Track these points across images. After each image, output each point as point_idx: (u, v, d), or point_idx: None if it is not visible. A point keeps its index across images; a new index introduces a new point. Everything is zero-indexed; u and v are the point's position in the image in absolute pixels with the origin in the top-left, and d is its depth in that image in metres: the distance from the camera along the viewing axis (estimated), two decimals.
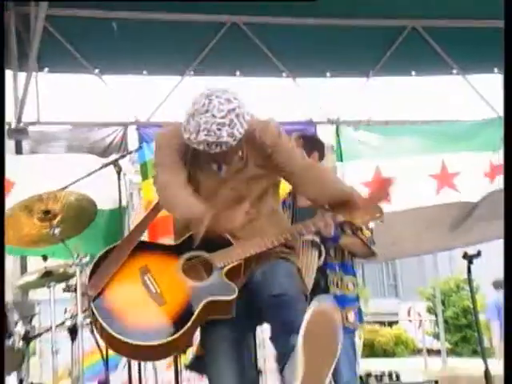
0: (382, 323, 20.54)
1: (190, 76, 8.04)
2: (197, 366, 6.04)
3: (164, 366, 6.96)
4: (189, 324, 3.45)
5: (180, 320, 3.46)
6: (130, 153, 7.29)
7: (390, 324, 20.87)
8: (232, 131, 3.75)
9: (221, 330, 3.81)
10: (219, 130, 3.69)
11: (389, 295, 28.44)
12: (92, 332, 3.79)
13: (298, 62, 7.90)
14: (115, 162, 5.97)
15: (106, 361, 5.95)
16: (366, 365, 7.68)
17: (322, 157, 5.84)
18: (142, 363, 6.72)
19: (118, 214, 6.22)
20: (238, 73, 8.13)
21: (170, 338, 3.42)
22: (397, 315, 21.46)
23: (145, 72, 8.06)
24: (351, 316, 5.91)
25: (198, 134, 3.71)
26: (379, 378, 6.43)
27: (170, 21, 7.73)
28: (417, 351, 17.62)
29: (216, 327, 3.78)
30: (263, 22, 7.54)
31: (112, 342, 3.50)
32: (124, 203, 6.53)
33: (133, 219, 7.96)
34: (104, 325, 3.40)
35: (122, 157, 6.32)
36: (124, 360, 6.67)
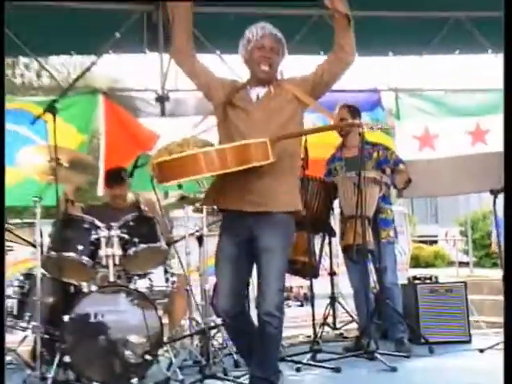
0: (425, 242, 20.34)
1: None
2: (289, 268, 6.20)
3: None
4: (224, 146, 3.58)
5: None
6: None
7: (432, 243, 20.64)
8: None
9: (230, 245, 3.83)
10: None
11: (431, 222, 28.00)
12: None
13: (365, 45, 7.92)
14: None
15: None
16: (412, 272, 7.72)
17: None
18: None
19: None
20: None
21: (206, 149, 3.55)
22: (437, 237, 21.18)
23: None
24: (392, 232, 6.07)
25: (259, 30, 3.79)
26: (423, 279, 6.53)
27: None
28: (451, 263, 17.45)
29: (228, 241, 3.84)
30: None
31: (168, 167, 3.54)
32: None
33: None
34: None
35: None
36: None
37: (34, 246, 4.95)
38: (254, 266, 3.87)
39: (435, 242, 20.94)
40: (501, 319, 7.05)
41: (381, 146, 6.09)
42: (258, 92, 3.88)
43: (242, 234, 3.78)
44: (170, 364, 4.89)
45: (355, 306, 6.18)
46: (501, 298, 6.13)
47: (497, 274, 6.51)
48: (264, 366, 3.83)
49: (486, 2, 7.43)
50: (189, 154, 3.51)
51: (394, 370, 4.92)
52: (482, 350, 5.66)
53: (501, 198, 6.13)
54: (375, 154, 5.91)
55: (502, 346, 5.77)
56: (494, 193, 5.96)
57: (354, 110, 6.23)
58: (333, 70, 3.88)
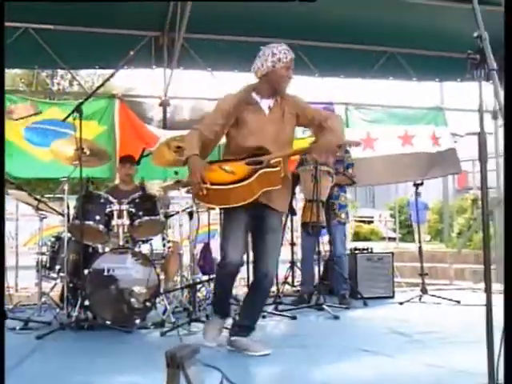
0: (364, 222, 20.47)
1: None
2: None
3: None
4: (251, 179, 3.38)
5: (242, 180, 3.39)
6: None
7: (369, 223, 20.78)
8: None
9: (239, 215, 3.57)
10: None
11: (369, 206, 28.18)
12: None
13: (323, 68, 8.02)
14: None
15: (209, 232, 6.18)
16: (353, 245, 7.78)
17: None
18: None
19: (217, 150, 6.38)
20: None
21: (239, 184, 3.36)
22: (373, 218, 21.35)
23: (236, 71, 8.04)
24: (343, 215, 6.09)
25: (287, 53, 3.56)
26: (361, 250, 6.59)
27: None
28: (383, 238, 17.63)
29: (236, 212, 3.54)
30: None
31: (213, 195, 3.37)
32: None
33: None
34: (208, 186, 3.33)
35: None
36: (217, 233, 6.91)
37: (62, 215, 5.01)
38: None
39: (372, 221, 21.07)
40: (416, 280, 7.22)
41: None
42: (268, 103, 3.66)
43: (252, 211, 3.57)
44: (165, 310, 4.91)
45: (303, 270, 6.18)
46: (417, 264, 6.38)
47: (414, 246, 6.67)
48: (254, 316, 3.80)
49: (413, 41, 7.67)
50: (229, 188, 3.38)
51: (336, 317, 4.97)
52: (401, 303, 5.92)
53: (420, 188, 6.42)
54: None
55: (416, 299, 5.95)
56: (415, 184, 6.43)
57: None
58: (312, 130, 3.86)
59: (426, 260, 10.56)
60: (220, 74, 8.00)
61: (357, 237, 16.54)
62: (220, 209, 3.75)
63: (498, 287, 2.86)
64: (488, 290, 2.03)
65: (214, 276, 4.07)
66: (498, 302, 2.16)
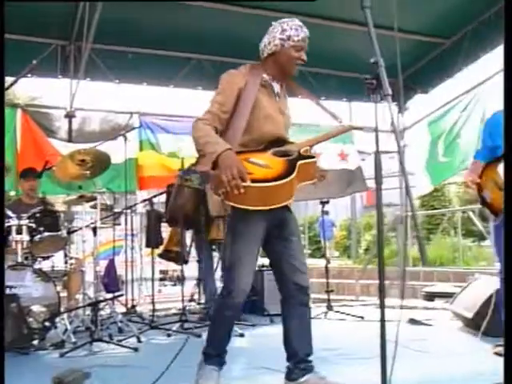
0: None
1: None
2: (165, 256, 6.20)
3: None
4: (292, 175, 2.86)
5: (285, 175, 2.85)
6: (134, 129, 7.37)
7: None
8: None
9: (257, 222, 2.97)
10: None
11: None
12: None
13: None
14: (124, 134, 6.04)
15: (113, 248, 6.10)
16: (262, 261, 7.87)
17: None
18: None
19: (124, 165, 6.33)
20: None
21: (283, 181, 2.82)
22: None
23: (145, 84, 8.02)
24: None
25: (299, 30, 3.06)
26: (268, 266, 6.58)
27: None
28: None
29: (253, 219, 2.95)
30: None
31: (252, 194, 2.77)
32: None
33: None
34: (249, 184, 2.75)
35: (128, 131, 6.38)
36: (123, 250, 6.82)
37: None
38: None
39: None
40: (323, 296, 7.38)
41: None
42: (277, 89, 3.21)
43: (271, 215, 2.98)
44: (66, 330, 4.79)
45: (206, 287, 6.20)
46: (325, 280, 6.52)
47: (323, 262, 6.82)
48: (310, 341, 3.19)
49: (322, 61, 7.52)
50: (273, 185, 2.83)
51: (242, 335, 5.02)
52: None
53: (329, 205, 6.61)
54: None
55: (322, 315, 6.08)
56: (322, 202, 6.58)
57: None
58: None
59: (334, 276, 10.88)
60: (127, 87, 7.97)
61: None
62: (240, 215, 2.92)
63: (399, 302, 2.97)
64: (382, 306, 2.12)
65: (214, 310, 3.24)
66: (394, 316, 2.27)
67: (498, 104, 4.46)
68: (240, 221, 2.94)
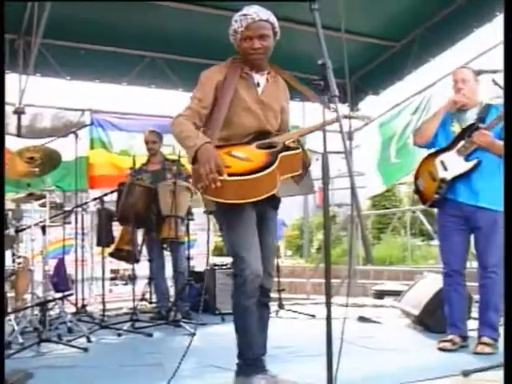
0: None
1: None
2: (116, 255, 6.14)
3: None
4: (271, 168, 2.82)
5: (265, 168, 2.81)
6: (85, 126, 7.28)
7: None
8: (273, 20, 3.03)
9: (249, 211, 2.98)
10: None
11: None
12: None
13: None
14: (75, 132, 5.97)
15: (63, 247, 6.01)
16: (218, 260, 7.88)
17: None
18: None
19: (74, 163, 6.25)
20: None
21: (260, 174, 2.78)
22: None
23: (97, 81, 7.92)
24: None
25: (243, 19, 2.97)
26: (220, 266, 6.68)
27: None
28: None
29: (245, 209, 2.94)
30: None
31: (223, 186, 2.73)
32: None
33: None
34: (226, 177, 2.72)
35: (79, 129, 6.31)
36: (73, 249, 6.72)
37: None
38: None
39: None
40: (273, 294, 7.41)
41: (178, 162, 5.92)
42: (257, 80, 3.13)
43: (258, 207, 3.01)
44: (13, 330, 4.69)
45: (156, 287, 6.22)
46: (275, 279, 6.57)
47: (275, 262, 6.89)
48: (265, 342, 3.23)
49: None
50: (251, 178, 2.79)
51: (193, 334, 4.99)
52: None
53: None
54: (174, 168, 5.90)
55: (273, 314, 6.10)
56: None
57: (159, 134, 6.34)
58: None
59: (286, 275, 10.96)
60: (79, 84, 7.86)
61: (220, 252, 16.70)
62: (228, 206, 2.86)
63: (350, 300, 3.02)
64: (328, 304, 2.16)
65: (233, 306, 3.08)
66: (341, 314, 2.32)
67: None
68: (233, 213, 2.94)
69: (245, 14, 2.98)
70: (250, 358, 3.02)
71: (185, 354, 3.09)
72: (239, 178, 2.77)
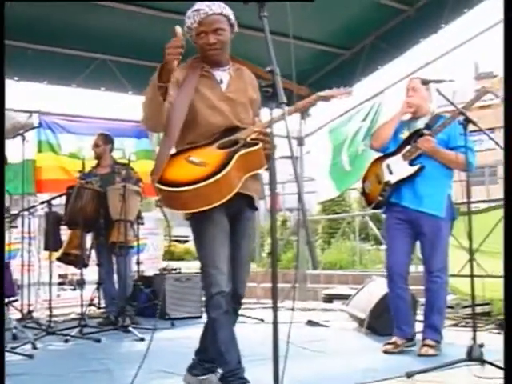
0: (179, 241, 20.66)
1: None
2: (64, 259, 6.04)
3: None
4: (228, 168, 2.73)
5: (220, 170, 2.72)
6: (33, 128, 7.14)
7: (184, 242, 21.00)
8: (227, 13, 2.94)
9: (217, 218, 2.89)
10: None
11: (184, 225, 28.44)
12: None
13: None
14: (22, 134, 5.86)
15: (9, 252, 5.87)
16: (166, 264, 7.83)
17: None
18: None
19: (21, 166, 6.12)
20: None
21: (214, 179, 2.68)
22: (188, 237, 21.51)
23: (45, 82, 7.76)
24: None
25: (196, 15, 2.89)
26: (169, 270, 6.70)
27: None
28: (197, 258, 17.92)
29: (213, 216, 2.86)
30: None
31: (173, 198, 2.73)
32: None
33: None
34: (169, 189, 2.68)
35: (27, 131, 6.20)
36: (19, 253, 6.58)
37: None
38: None
39: (187, 241, 21.27)
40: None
41: (128, 166, 5.93)
42: (220, 76, 3.03)
43: (229, 208, 2.92)
44: None
45: (105, 291, 6.16)
46: None
47: None
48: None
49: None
50: (201, 186, 2.69)
51: (142, 339, 4.98)
52: None
53: None
54: (123, 172, 5.84)
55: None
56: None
57: (107, 138, 6.28)
58: None
59: None
60: (27, 85, 7.71)
61: (171, 256, 16.64)
62: (195, 215, 2.84)
63: (298, 304, 3.05)
64: (274, 308, 2.19)
65: (207, 321, 3.06)
66: (290, 318, 2.36)
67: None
68: (203, 220, 2.88)
69: (197, 10, 2.91)
70: (226, 369, 2.95)
71: (143, 360, 3.15)
72: (188, 187, 2.68)
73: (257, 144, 2.84)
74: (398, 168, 4.33)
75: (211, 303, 2.89)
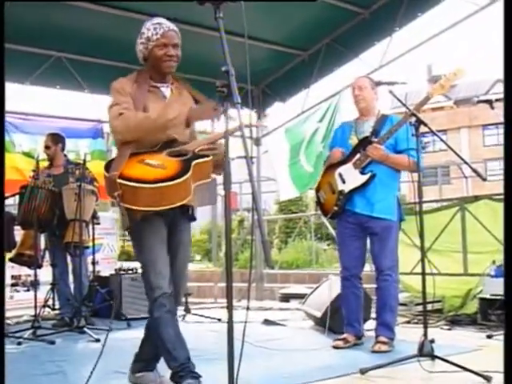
0: None
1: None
2: (18, 260, 5.94)
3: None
4: (187, 175, 2.82)
5: (180, 175, 2.81)
6: None
7: None
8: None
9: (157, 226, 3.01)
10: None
11: None
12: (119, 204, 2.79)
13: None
14: None
15: None
16: (125, 264, 7.77)
17: None
18: None
19: None
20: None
21: (177, 181, 2.78)
22: None
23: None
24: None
25: (158, 27, 3.03)
26: (126, 270, 6.61)
27: None
28: None
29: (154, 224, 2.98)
30: None
31: (138, 194, 2.77)
32: None
33: None
34: (135, 184, 2.74)
35: None
36: None
37: None
38: None
39: None
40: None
41: (82, 165, 5.62)
42: (164, 92, 3.17)
43: (167, 217, 3.04)
44: None
45: (60, 292, 6.05)
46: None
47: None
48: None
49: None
50: (167, 185, 2.77)
51: (97, 340, 4.93)
52: None
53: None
54: (77, 172, 5.77)
55: (180, 318, 6.08)
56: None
57: (57, 137, 6.18)
58: None
59: (195, 279, 10.95)
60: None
61: (127, 256, 16.46)
62: (140, 220, 2.89)
63: (256, 304, 3.06)
64: (230, 307, 2.20)
65: (149, 322, 3.17)
66: (250, 317, 2.40)
67: (349, 115, 4.84)
68: (143, 225, 2.93)
69: (159, 23, 3.05)
70: (176, 365, 2.96)
71: (97, 361, 3.16)
72: (154, 185, 2.76)
73: (208, 156, 2.98)
74: (350, 177, 4.39)
75: (155, 305, 2.96)
